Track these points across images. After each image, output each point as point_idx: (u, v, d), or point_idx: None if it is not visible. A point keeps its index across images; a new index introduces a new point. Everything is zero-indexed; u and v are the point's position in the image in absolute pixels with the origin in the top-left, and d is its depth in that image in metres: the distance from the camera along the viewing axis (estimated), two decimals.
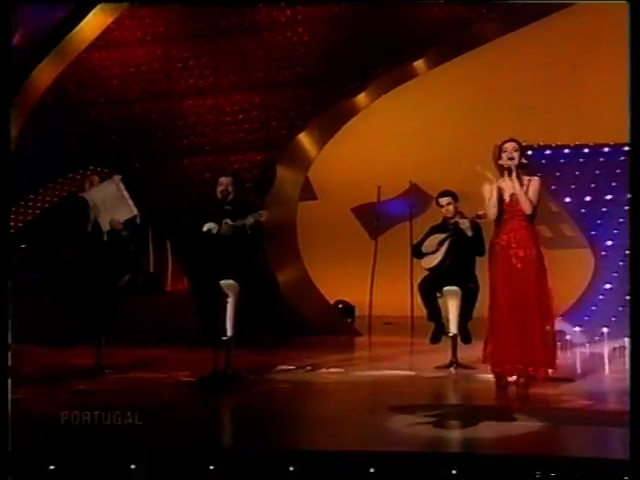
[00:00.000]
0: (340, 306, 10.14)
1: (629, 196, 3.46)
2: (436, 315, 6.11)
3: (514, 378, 4.94)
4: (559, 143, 9.57)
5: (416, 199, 10.71)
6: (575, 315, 8.33)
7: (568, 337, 7.90)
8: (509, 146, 5.04)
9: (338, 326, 9.25)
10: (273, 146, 8.99)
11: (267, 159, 8.98)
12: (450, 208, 6.12)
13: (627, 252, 7.65)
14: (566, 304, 8.46)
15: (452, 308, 6.05)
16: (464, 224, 5.86)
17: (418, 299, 6.32)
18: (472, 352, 5.95)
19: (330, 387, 5.20)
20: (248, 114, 9.15)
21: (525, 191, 4.96)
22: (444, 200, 6.17)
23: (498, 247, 4.99)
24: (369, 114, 9.73)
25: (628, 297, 3.66)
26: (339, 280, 10.66)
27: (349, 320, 10.01)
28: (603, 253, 8.64)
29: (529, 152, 9.52)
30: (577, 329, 8.04)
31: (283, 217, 9.22)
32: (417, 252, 6.30)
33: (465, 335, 6.06)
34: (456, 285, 6.02)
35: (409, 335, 9.35)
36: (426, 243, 6.21)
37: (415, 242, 6.55)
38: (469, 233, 5.86)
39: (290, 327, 8.60)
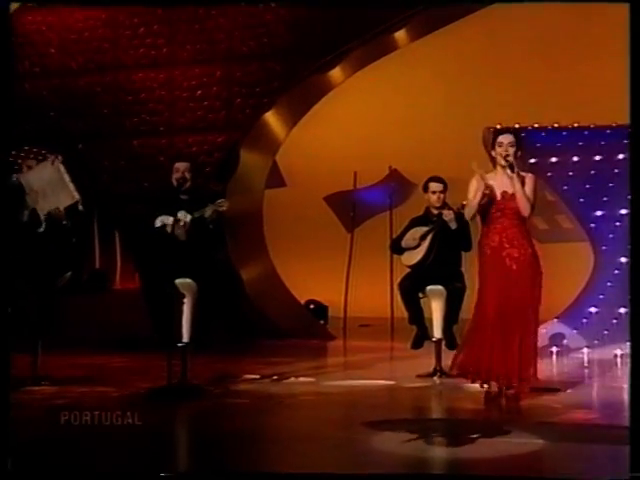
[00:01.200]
0: (311, 306, 10.19)
1: (629, 197, 3.61)
2: (418, 318, 6.14)
3: (493, 388, 4.99)
4: (556, 125, 9.63)
5: (397, 187, 10.76)
6: (572, 317, 8.32)
7: (565, 341, 8.02)
8: (504, 140, 5.01)
9: (309, 329, 9.31)
10: (236, 126, 8.90)
11: (229, 141, 8.91)
12: (441, 197, 6.12)
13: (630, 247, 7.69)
14: (562, 304, 8.50)
15: (436, 310, 6.07)
16: (448, 216, 5.86)
17: (398, 299, 6.36)
18: None
19: (299, 400, 5.20)
20: (208, 90, 9.05)
21: (522, 188, 4.96)
22: (437, 186, 6.14)
23: (489, 249, 5.00)
24: (344, 91, 9.70)
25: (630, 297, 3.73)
26: (310, 277, 10.66)
27: (321, 322, 10.07)
28: (604, 248, 8.59)
29: (523, 134, 9.86)
30: (574, 332, 8.12)
31: (247, 206, 9.23)
32: (396, 247, 6.31)
33: (450, 340, 6.07)
34: (440, 284, 6.04)
35: (388, 339, 9.43)
36: (406, 237, 6.21)
37: (395, 236, 6.56)
38: (453, 226, 5.87)
39: (255, 330, 8.61)
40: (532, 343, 4.95)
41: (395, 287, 6.82)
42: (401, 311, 6.39)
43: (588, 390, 5.63)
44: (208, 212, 5.37)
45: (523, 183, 4.99)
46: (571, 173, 9.16)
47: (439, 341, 6.07)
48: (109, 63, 9.19)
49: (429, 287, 6.07)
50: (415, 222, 6.27)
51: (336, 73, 9.09)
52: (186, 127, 9.07)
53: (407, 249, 6.20)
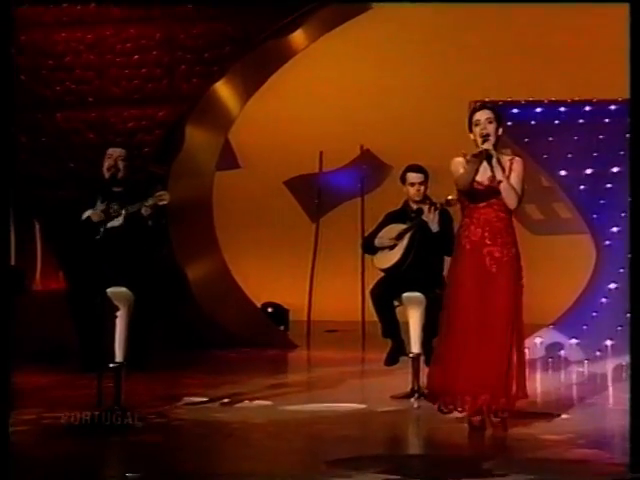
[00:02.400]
0: (269, 310, 10.20)
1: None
2: (393, 330, 6.14)
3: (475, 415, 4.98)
4: (553, 99, 9.69)
5: (369, 169, 10.85)
6: (571, 323, 8.42)
7: (562, 353, 8.11)
8: (481, 117, 4.96)
9: (267, 336, 9.36)
10: (180, 98, 8.85)
11: (173, 116, 8.84)
12: (421, 190, 6.10)
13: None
14: (559, 309, 8.60)
15: (414, 320, 6.08)
16: (429, 216, 5.86)
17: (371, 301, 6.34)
18: None
19: (252, 430, 5.16)
20: (146, 54, 8.96)
21: (507, 176, 4.93)
22: (416, 177, 6.10)
23: (468, 243, 4.97)
24: (308, 58, 9.69)
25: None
26: (268, 276, 10.70)
27: (281, 328, 10.10)
28: (607, 242, 8.72)
29: (514, 110, 9.96)
30: (573, 342, 8.22)
31: (194, 193, 9.22)
32: (369, 247, 6.28)
33: (430, 355, 5.92)
34: (419, 291, 6.05)
35: (359, 347, 9.52)
36: (381, 235, 6.19)
37: (367, 233, 6.53)
38: (434, 228, 5.87)
39: (203, 339, 8.62)
40: (518, 358, 4.94)
41: (367, 287, 6.83)
42: (374, 314, 6.37)
43: (586, 415, 5.63)
44: (146, 207, 5.28)
45: (510, 169, 4.96)
46: (570, 155, 9.23)
47: (417, 357, 6.07)
48: (24, 20, 8.86)
49: (406, 294, 6.07)
50: (391, 218, 6.25)
51: (298, 37, 9.03)
52: (120, 98, 8.98)
53: (381, 249, 6.17)
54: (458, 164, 5.01)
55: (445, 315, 5.04)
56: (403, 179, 6.16)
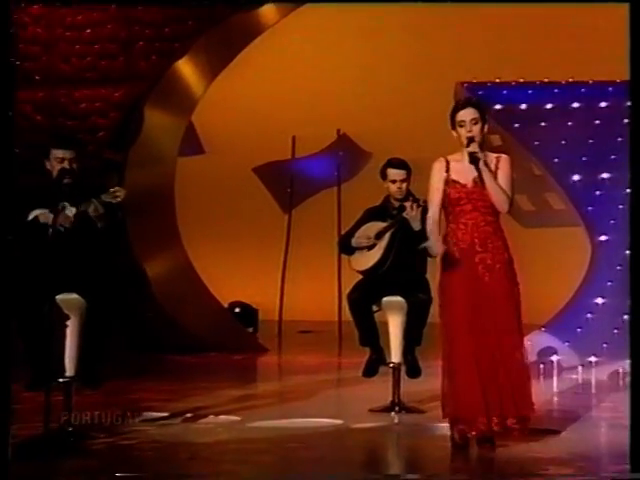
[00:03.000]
0: (237, 310, 10.21)
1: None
2: (372, 338, 6.11)
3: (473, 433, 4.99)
4: (546, 80, 9.69)
5: (346, 156, 10.85)
6: (563, 326, 8.44)
7: (554, 358, 8.10)
8: (466, 118, 4.97)
9: (234, 340, 9.48)
10: (139, 78, 8.78)
11: (130, 97, 8.77)
12: (403, 187, 6.09)
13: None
14: (551, 310, 8.66)
15: (394, 327, 6.08)
16: (410, 213, 5.81)
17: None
18: (422, 388, 6.08)
19: (217, 451, 5.06)
20: (100, 29, 8.86)
21: (494, 177, 4.93)
22: (397, 174, 6.10)
23: (458, 251, 4.99)
24: (279, 34, 9.67)
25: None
26: (236, 272, 10.68)
27: (250, 330, 10.10)
28: (603, 238, 8.76)
29: (504, 92, 9.94)
30: (566, 346, 8.24)
31: (155, 181, 9.25)
32: (346, 246, 6.26)
33: (412, 366, 6.08)
34: (400, 295, 6.04)
35: (335, 350, 9.54)
36: (359, 234, 6.18)
37: (344, 231, 6.50)
38: (416, 226, 5.82)
39: (164, 344, 8.61)
40: (523, 371, 4.98)
41: (344, 284, 6.82)
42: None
43: (580, 431, 5.55)
44: (97, 205, 5.18)
45: (496, 167, 4.98)
46: (564, 142, 9.28)
47: (398, 367, 6.06)
48: None
49: (386, 299, 6.07)
50: (370, 215, 6.22)
51: (268, 11, 8.98)
52: (71, 77, 8.88)
53: (359, 249, 6.16)
54: (437, 171, 5.02)
55: (444, 333, 5.01)
56: (383, 175, 6.14)
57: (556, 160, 9.30)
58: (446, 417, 5.05)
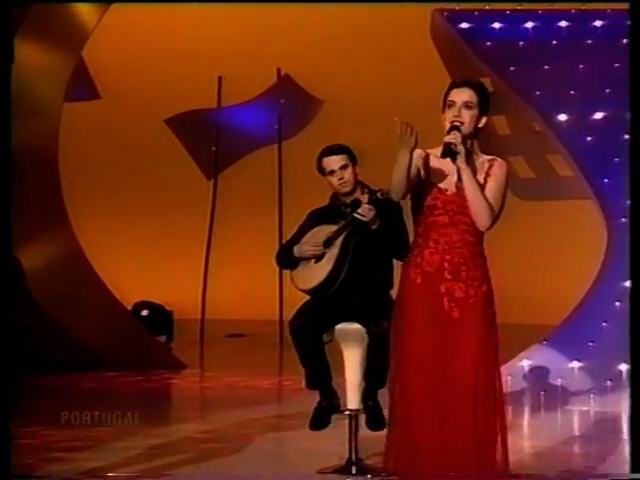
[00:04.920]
0: (144, 313, 10.17)
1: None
2: (322, 378, 6.06)
3: None
4: (553, 6, 9.55)
5: (289, 104, 10.73)
6: (571, 338, 8.43)
7: (558, 382, 8.06)
8: (457, 98, 4.92)
9: (140, 353, 9.40)
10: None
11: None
12: (346, 176, 6.06)
13: None
14: (556, 317, 8.63)
15: (351, 364, 6.03)
16: (364, 211, 5.81)
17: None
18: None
19: None
20: None
21: (482, 185, 4.87)
22: (334, 161, 6.08)
23: (420, 276, 4.94)
24: None
25: None
26: (143, 261, 10.49)
27: (162, 339, 9.95)
28: (622, 220, 8.66)
29: (496, 25, 9.80)
30: (574, 366, 8.18)
31: (32, 140, 9.05)
32: (287, 257, 6.23)
33: (373, 414, 6.00)
34: (359, 321, 5.98)
35: (275, 363, 9.50)
36: (303, 242, 6.13)
37: (285, 240, 6.47)
38: (372, 224, 5.82)
39: (42, 359, 8.53)
40: (499, 425, 4.95)
41: (286, 273, 6.71)
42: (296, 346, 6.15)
43: None
44: None
45: (487, 174, 4.92)
46: (573, 92, 9.25)
47: (355, 415, 6.00)
48: None
49: (340, 326, 6.02)
50: (316, 217, 6.20)
51: None
52: None
53: (303, 261, 6.13)
54: (415, 158, 4.89)
55: (394, 376, 5.01)
56: (320, 168, 6.13)
57: (562, 116, 9.23)
58: (388, 469, 5.09)
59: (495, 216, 4.89)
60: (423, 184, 4.94)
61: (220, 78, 10.83)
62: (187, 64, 10.61)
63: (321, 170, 6.13)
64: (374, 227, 5.86)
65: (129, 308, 9.92)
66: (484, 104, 4.93)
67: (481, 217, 4.88)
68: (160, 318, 10.14)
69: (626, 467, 4.40)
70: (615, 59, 9.22)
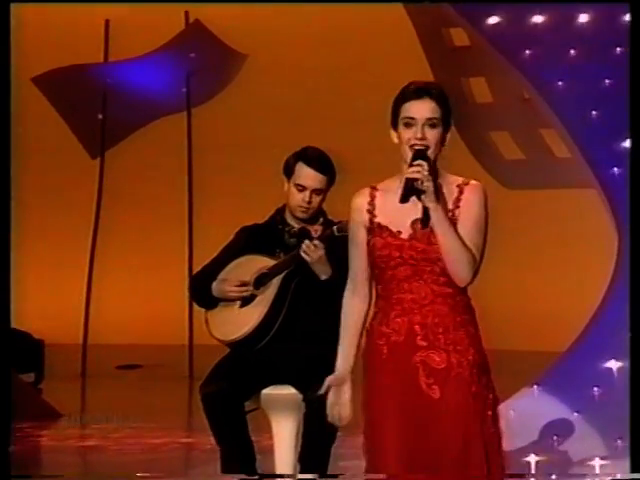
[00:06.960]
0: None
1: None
2: (242, 457, 6.26)
3: None
4: None
5: (200, 57, 10.69)
6: (568, 381, 8.61)
7: (554, 440, 8.10)
8: (416, 113, 4.91)
9: None
10: None
11: None
12: (314, 202, 6.25)
13: None
14: (554, 346, 8.93)
15: (282, 441, 6.30)
16: (309, 247, 5.98)
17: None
18: None
19: None
20: None
21: (453, 221, 4.87)
22: (312, 178, 6.25)
23: (385, 346, 4.98)
24: None
25: None
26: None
27: (29, 379, 9.67)
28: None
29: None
30: (574, 418, 8.20)
31: None
32: (203, 293, 6.41)
33: None
34: (294, 385, 6.19)
35: (183, 405, 9.60)
36: (226, 275, 6.30)
37: (201, 267, 6.59)
38: (323, 273, 6.05)
39: None
40: None
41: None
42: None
43: None
44: None
45: (456, 204, 4.94)
46: (573, 51, 9.50)
47: None
48: None
49: (267, 391, 6.21)
50: (249, 239, 6.37)
51: None
52: None
53: (225, 302, 6.27)
54: (355, 212, 4.97)
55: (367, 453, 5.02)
56: (288, 171, 6.24)
57: (559, 83, 9.33)
58: None
59: (476, 261, 4.92)
60: (373, 231, 4.94)
61: (107, 22, 10.75)
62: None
63: (288, 173, 6.24)
64: (324, 277, 6.03)
65: None
66: (448, 117, 4.96)
67: (460, 270, 4.93)
68: (26, 350, 9.89)
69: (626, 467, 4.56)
70: (623, 9, 9.32)
